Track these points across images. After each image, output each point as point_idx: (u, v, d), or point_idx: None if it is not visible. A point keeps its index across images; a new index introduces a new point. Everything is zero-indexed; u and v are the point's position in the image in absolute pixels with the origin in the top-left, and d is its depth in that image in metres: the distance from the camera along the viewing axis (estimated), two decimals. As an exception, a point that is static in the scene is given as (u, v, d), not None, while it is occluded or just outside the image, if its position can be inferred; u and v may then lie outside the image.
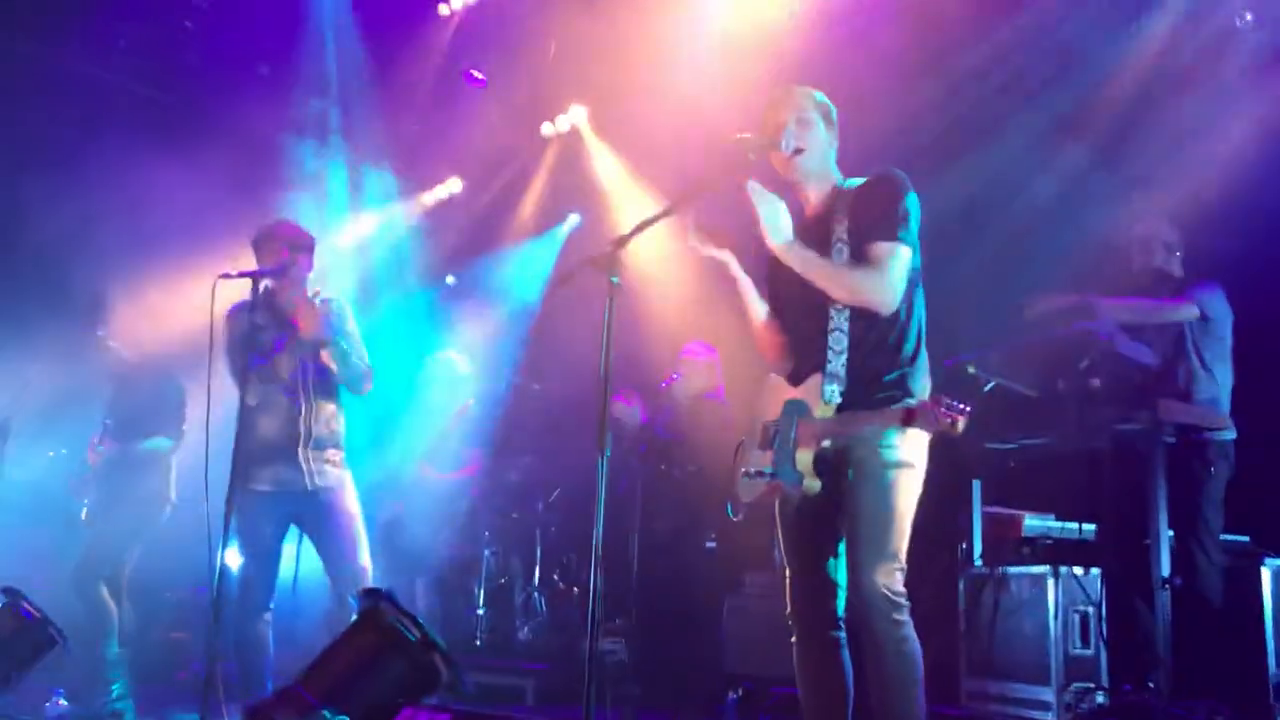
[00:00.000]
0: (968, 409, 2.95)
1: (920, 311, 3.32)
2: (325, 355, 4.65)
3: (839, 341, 3.21)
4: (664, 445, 6.14)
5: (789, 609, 3.36)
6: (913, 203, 3.27)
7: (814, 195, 3.40)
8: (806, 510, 3.26)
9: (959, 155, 6.25)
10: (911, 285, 3.26)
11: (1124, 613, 4.66)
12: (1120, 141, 6.12)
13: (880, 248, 3.18)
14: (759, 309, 3.43)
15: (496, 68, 8.79)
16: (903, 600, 3.11)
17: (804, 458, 3.18)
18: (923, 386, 3.25)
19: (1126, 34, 6.20)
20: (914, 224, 3.25)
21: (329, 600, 4.75)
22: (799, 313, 3.35)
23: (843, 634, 3.28)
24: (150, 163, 7.51)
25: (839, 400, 3.17)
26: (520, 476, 7.52)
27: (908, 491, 3.17)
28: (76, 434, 6.22)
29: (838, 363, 3.19)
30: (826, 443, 3.17)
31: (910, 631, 3.11)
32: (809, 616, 3.31)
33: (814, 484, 3.18)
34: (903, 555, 3.14)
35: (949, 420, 2.94)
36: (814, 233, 3.29)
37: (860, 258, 3.21)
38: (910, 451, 3.17)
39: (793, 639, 3.35)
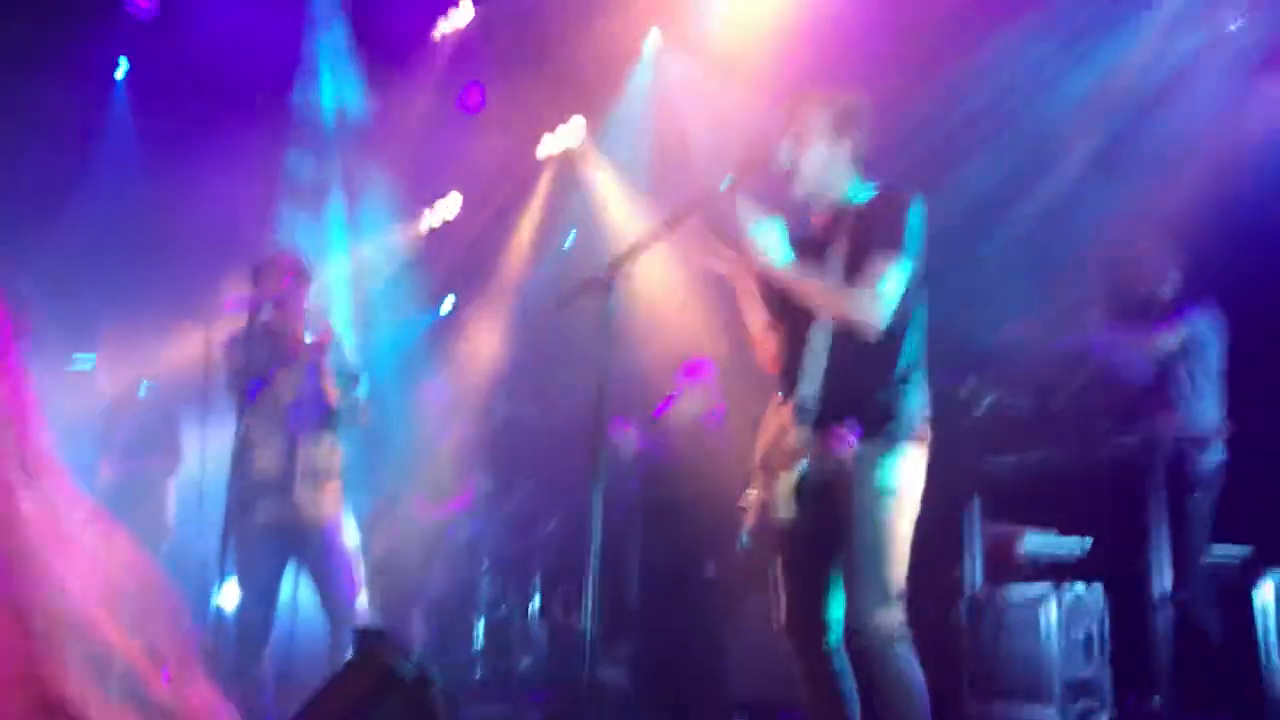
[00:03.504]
0: (853, 441, 3.01)
1: (918, 329, 3.20)
2: (329, 391, 4.65)
3: (814, 363, 3.14)
4: (662, 469, 6.12)
5: (786, 633, 3.28)
6: (916, 217, 3.15)
7: (820, 210, 3.31)
8: (799, 535, 3.18)
9: (952, 172, 6.24)
10: (908, 302, 3.14)
11: (1126, 629, 4.64)
12: (1113, 154, 6.11)
13: (875, 264, 3.07)
14: (758, 321, 3.36)
15: (493, 90, 8.82)
16: (903, 631, 3.02)
17: (783, 484, 3.13)
18: (918, 406, 3.14)
19: (1120, 39, 6.20)
20: (915, 240, 3.13)
21: (328, 635, 4.74)
22: (788, 331, 3.28)
23: (842, 657, 3.18)
24: (147, 193, 7.56)
25: (810, 425, 3.10)
26: (518, 505, 7.50)
27: (904, 519, 3.07)
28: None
29: (810, 387, 3.12)
30: (801, 468, 3.11)
31: (913, 662, 3.02)
32: (805, 643, 3.23)
33: (789, 511, 3.12)
34: (902, 584, 3.05)
35: (836, 449, 2.98)
36: (816, 248, 3.22)
37: (855, 275, 3.11)
38: (906, 475, 3.07)
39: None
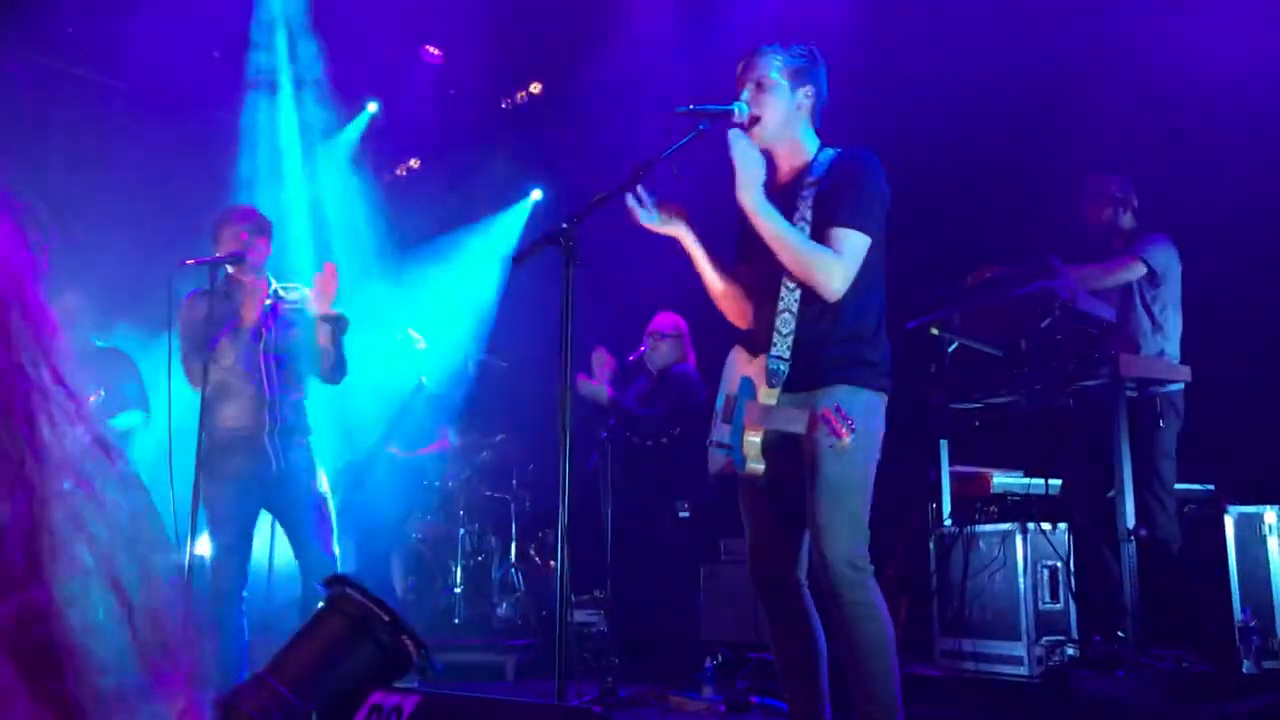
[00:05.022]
0: (854, 426, 2.92)
1: (879, 295, 3.24)
2: (322, 338, 4.60)
3: (786, 324, 3.15)
4: (633, 418, 6.13)
5: (752, 578, 3.34)
6: (880, 186, 3.19)
7: (784, 163, 3.31)
8: (766, 483, 3.21)
9: (918, 116, 6.24)
10: (870, 270, 3.17)
11: (1092, 566, 4.72)
12: (1067, 94, 6.11)
13: (839, 233, 3.10)
14: (716, 279, 3.36)
15: (453, 43, 8.71)
16: (867, 567, 3.07)
17: (751, 440, 3.14)
18: (880, 359, 3.20)
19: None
20: (879, 209, 3.17)
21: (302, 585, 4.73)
22: (758, 286, 3.29)
23: (808, 600, 3.25)
24: (102, 148, 7.44)
25: (783, 384, 3.13)
26: (494, 453, 7.53)
27: (866, 456, 3.12)
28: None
29: (783, 346, 3.13)
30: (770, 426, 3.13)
31: (878, 598, 3.07)
32: (772, 586, 3.29)
33: (758, 467, 3.13)
34: (865, 523, 3.10)
35: (838, 436, 2.92)
36: (779, 203, 3.20)
37: (820, 238, 3.13)
38: (868, 419, 3.11)
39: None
